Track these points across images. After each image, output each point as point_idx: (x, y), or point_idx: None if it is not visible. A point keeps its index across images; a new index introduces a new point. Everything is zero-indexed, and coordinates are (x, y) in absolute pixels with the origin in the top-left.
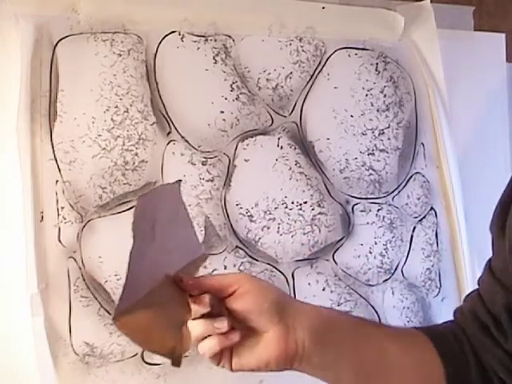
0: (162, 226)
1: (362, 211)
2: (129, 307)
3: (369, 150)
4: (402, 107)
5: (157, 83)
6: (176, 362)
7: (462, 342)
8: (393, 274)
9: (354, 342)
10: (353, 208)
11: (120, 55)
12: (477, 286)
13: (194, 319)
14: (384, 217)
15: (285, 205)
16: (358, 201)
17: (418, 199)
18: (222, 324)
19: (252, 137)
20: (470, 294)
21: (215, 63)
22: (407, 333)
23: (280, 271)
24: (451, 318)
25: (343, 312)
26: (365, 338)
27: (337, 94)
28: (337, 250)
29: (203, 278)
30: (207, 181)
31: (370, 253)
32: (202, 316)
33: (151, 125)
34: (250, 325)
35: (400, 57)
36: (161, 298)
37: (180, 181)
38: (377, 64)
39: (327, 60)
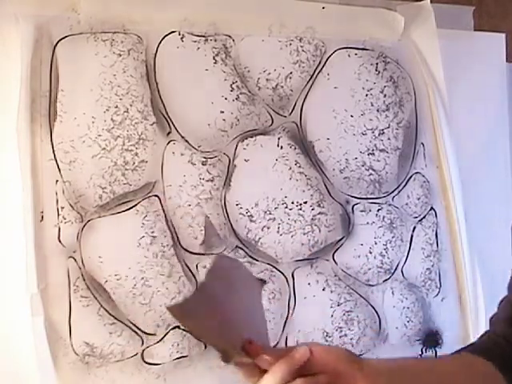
0: (232, 299)
1: (362, 211)
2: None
3: (369, 150)
4: (402, 107)
5: (157, 83)
6: (226, 359)
7: (509, 350)
8: (393, 273)
9: (425, 378)
10: (353, 208)
11: (120, 55)
12: (477, 286)
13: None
14: (384, 217)
15: (285, 205)
16: (358, 201)
17: (418, 199)
18: (325, 378)
19: (252, 137)
20: (502, 300)
21: (215, 63)
22: (457, 357)
23: (280, 271)
24: (451, 317)
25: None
26: (433, 373)
27: (337, 94)
28: (337, 249)
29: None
30: (207, 181)
31: (370, 253)
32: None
33: (151, 125)
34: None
35: (400, 57)
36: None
37: (264, 282)
38: (377, 64)
39: (327, 60)
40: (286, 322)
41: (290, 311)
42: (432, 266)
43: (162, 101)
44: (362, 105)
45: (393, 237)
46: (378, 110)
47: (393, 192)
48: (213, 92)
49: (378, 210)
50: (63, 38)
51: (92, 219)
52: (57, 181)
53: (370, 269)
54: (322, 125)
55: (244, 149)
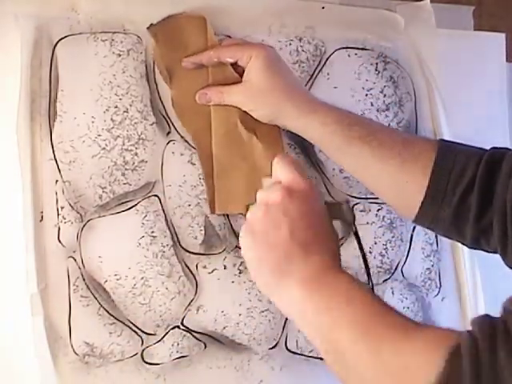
0: None
1: (361, 211)
2: None
3: None
4: (402, 107)
5: (156, 83)
6: None
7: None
8: (393, 273)
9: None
10: (353, 208)
11: (120, 55)
12: (477, 286)
13: None
14: (384, 216)
15: None
16: (358, 200)
17: None
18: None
19: None
20: None
21: None
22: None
23: None
24: (451, 317)
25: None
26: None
27: (337, 93)
28: None
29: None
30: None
31: (370, 252)
32: None
33: (151, 125)
34: None
35: (400, 57)
36: None
37: None
38: (377, 64)
39: (327, 60)
40: (286, 322)
41: None
42: (432, 265)
43: (161, 101)
44: (362, 105)
45: (393, 237)
46: (377, 110)
47: None
48: None
49: (378, 210)
50: (63, 38)
51: (92, 219)
52: (57, 181)
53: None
54: None
55: None
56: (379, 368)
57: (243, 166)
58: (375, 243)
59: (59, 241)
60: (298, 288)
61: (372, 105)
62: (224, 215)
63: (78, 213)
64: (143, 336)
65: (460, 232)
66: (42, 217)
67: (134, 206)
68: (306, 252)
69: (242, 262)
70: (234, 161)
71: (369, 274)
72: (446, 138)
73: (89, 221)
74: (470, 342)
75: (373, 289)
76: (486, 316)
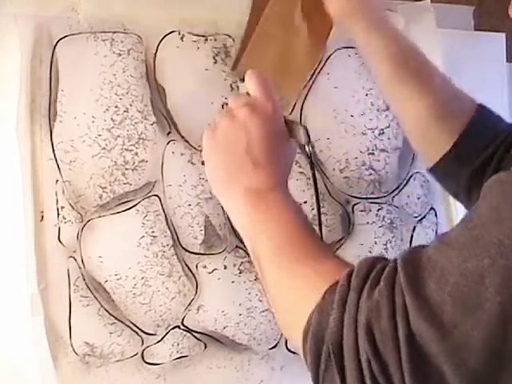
0: None
1: (362, 211)
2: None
3: (369, 149)
4: None
5: (157, 83)
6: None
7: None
8: None
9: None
10: (353, 208)
11: (120, 55)
12: None
13: None
14: (384, 216)
15: None
16: (358, 200)
17: (418, 199)
18: None
19: None
20: None
21: (215, 63)
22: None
23: None
24: None
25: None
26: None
27: (337, 93)
28: (337, 249)
29: None
30: (207, 180)
31: (370, 252)
32: None
33: (151, 124)
34: None
35: None
36: None
37: None
38: None
39: (327, 60)
40: None
41: None
42: None
43: (161, 101)
44: (362, 104)
45: (393, 237)
46: (378, 110)
47: (393, 192)
48: (213, 92)
49: (378, 210)
50: (63, 38)
51: (92, 219)
52: (57, 181)
53: None
54: (322, 125)
55: None
56: (280, 287)
57: (282, 42)
58: (375, 243)
59: (59, 241)
60: (242, 198)
61: (372, 104)
62: (224, 215)
63: (78, 213)
64: (143, 336)
65: (468, 195)
66: (42, 217)
67: (134, 206)
68: (255, 168)
69: (242, 262)
70: (277, 34)
71: (319, 204)
72: None
73: (89, 221)
74: (346, 279)
75: (320, 221)
76: (376, 257)
